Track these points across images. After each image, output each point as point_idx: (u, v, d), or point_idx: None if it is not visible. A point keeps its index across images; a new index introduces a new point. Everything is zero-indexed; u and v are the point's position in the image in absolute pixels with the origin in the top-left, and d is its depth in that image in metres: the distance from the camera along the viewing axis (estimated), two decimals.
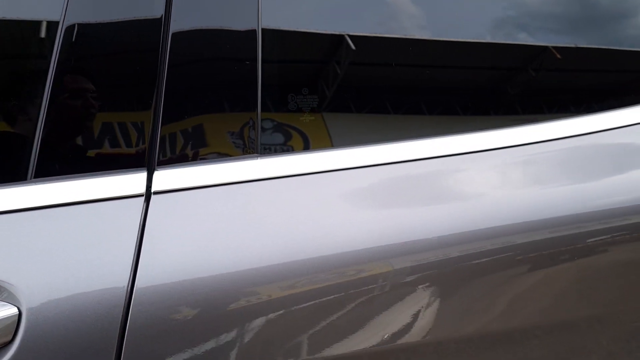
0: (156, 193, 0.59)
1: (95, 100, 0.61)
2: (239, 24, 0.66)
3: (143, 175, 0.60)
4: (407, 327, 0.62)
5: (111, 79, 0.64)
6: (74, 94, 0.61)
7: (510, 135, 0.73)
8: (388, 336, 0.61)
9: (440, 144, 0.70)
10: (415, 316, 0.62)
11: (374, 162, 0.66)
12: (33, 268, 0.54)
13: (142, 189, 0.59)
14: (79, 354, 0.52)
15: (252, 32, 0.65)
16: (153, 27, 0.63)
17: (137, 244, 0.56)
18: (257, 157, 0.64)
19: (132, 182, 0.59)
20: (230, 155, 0.64)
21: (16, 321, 0.52)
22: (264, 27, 0.66)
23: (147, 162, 0.61)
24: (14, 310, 0.52)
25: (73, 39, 0.61)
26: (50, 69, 0.60)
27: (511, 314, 0.67)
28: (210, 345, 0.56)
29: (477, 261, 0.64)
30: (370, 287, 0.60)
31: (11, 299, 0.52)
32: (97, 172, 0.60)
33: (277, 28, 0.69)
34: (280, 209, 0.62)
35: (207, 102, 0.65)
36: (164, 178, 0.61)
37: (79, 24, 0.61)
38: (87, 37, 0.62)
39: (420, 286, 0.62)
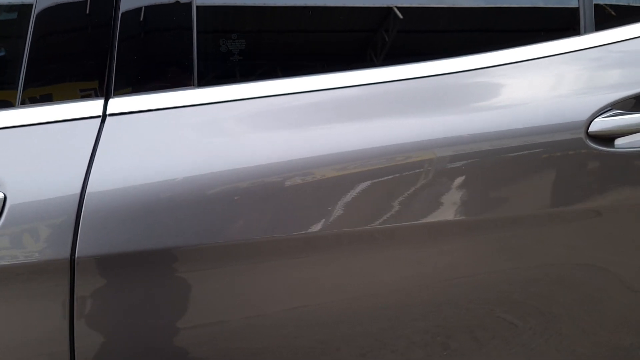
0: (111, 115, 0.77)
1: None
2: None
3: (101, 101, 0.78)
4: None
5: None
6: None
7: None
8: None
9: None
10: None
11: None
12: (13, 168, 0.73)
13: (99, 112, 0.77)
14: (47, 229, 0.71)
15: None
16: None
17: (92, 153, 0.74)
18: (193, 87, 0.80)
19: (92, 106, 0.77)
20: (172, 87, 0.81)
21: (2, 202, 0.71)
22: None
23: (105, 91, 0.78)
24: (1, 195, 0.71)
25: None
26: None
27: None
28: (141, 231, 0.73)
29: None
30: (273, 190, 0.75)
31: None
32: (65, 100, 0.78)
33: None
34: (205, 131, 0.78)
35: (154, 46, 0.82)
36: (118, 104, 0.78)
37: None
38: None
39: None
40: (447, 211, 0.81)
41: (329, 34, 0.95)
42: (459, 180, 0.80)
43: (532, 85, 0.85)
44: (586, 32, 0.91)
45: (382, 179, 0.78)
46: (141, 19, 0.80)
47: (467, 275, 0.85)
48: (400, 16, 0.89)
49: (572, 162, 0.83)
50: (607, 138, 0.84)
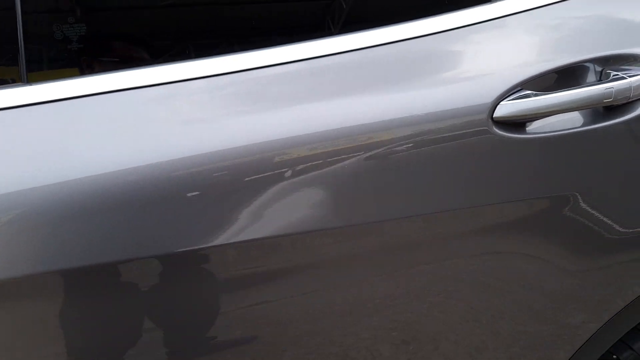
0: None
1: None
2: None
3: None
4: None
5: None
6: None
7: None
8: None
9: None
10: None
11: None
12: None
13: None
14: None
15: None
16: None
17: None
18: (23, 85, 0.67)
19: None
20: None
21: None
22: None
23: None
24: None
25: None
26: None
27: None
28: None
29: None
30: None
31: None
32: None
33: None
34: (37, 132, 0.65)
35: None
36: None
37: None
38: None
39: None
40: (332, 215, 0.70)
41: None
42: (359, 178, 0.69)
43: (430, 63, 0.73)
44: None
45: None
46: None
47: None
48: None
49: (477, 153, 0.72)
50: (516, 123, 0.73)
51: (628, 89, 0.74)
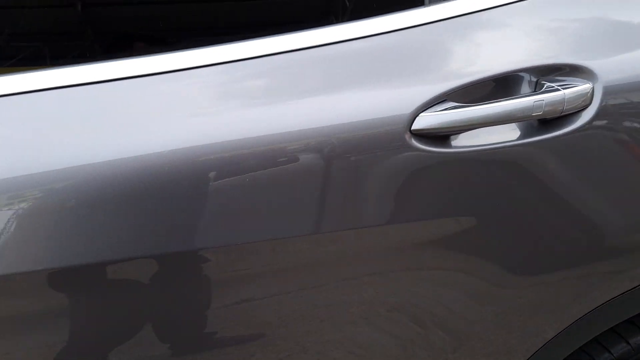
0: None
1: None
2: None
3: None
4: None
5: None
6: None
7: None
8: None
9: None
10: None
11: None
12: None
13: None
14: None
15: None
16: None
17: None
18: None
19: None
20: None
21: None
22: None
23: None
24: None
25: None
26: None
27: None
28: None
29: None
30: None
31: None
32: None
33: None
34: None
35: None
36: None
37: None
38: None
39: None
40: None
41: None
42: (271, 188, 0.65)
43: (353, 72, 0.69)
44: (431, 2, 0.75)
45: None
46: None
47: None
48: None
49: (395, 167, 0.68)
50: (441, 136, 0.69)
51: (561, 101, 0.69)
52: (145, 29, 0.75)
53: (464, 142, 0.70)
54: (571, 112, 0.71)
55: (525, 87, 0.73)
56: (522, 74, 0.72)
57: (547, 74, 0.73)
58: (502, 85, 0.73)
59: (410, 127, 0.67)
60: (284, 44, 0.69)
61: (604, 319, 0.83)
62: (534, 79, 0.73)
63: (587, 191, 0.75)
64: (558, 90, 0.69)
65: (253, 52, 0.68)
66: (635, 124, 0.74)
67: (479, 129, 0.70)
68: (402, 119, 0.66)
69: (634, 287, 0.81)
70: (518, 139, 0.71)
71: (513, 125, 0.74)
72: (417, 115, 0.67)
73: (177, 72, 0.65)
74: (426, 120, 0.67)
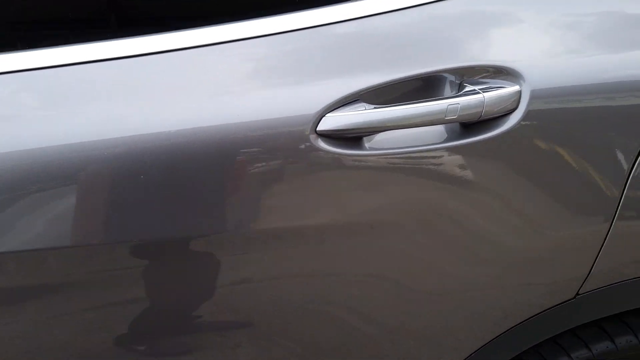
0: None
1: None
2: None
3: None
4: None
5: None
6: None
7: None
8: None
9: None
10: None
11: None
12: None
13: None
14: None
15: None
16: None
17: None
18: None
19: None
20: None
21: None
22: None
23: None
24: None
25: None
26: None
27: None
28: None
29: None
30: None
31: None
32: None
33: None
34: None
35: None
36: None
37: None
38: None
39: None
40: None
41: None
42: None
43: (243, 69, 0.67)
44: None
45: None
46: None
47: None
48: None
49: (304, 170, 0.66)
50: (353, 138, 0.67)
51: (479, 105, 0.66)
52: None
53: (383, 144, 0.68)
54: (495, 115, 0.68)
55: (448, 90, 0.70)
56: (446, 75, 0.69)
57: (472, 75, 0.69)
58: (429, 86, 0.70)
59: (316, 128, 0.65)
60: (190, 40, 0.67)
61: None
62: (457, 81, 0.69)
63: (511, 195, 0.71)
64: (478, 93, 0.66)
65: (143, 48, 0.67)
66: (562, 128, 0.69)
67: (401, 130, 0.67)
68: (307, 119, 0.65)
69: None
70: (444, 141, 0.69)
71: (440, 128, 0.71)
72: (324, 116, 0.65)
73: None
74: (332, 121, 0.65)
